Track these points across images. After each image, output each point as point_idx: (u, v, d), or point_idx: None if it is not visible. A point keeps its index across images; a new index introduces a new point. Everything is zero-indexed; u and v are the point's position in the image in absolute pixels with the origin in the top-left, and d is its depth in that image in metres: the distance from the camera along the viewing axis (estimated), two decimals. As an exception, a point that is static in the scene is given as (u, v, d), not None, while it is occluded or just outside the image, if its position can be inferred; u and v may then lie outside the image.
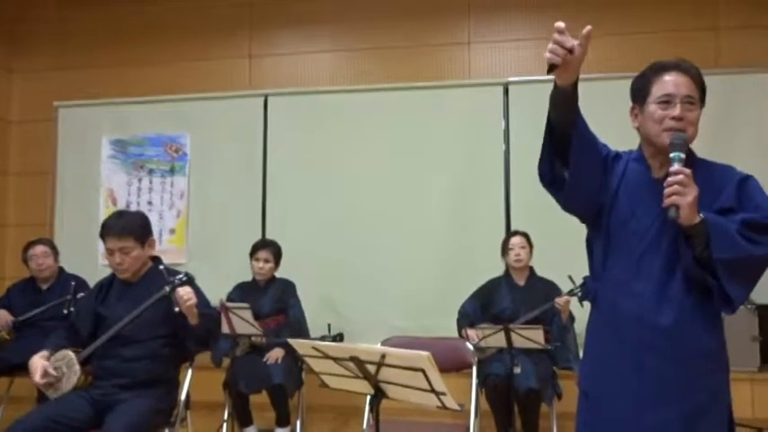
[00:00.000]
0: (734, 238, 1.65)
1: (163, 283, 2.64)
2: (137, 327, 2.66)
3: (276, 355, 3.88)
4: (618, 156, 1.91)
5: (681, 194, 1.64)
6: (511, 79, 4.89)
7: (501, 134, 4.84)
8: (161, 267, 2.73)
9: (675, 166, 1.67)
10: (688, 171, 1.66)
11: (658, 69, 1.82)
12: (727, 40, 4.69)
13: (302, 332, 4.06)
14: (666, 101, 1.77)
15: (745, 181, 1.77)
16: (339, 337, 3.90)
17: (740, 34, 4.68)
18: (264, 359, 3.86)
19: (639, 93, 1.85)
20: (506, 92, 4.87)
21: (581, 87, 1.78)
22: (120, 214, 2.80)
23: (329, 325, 3.87)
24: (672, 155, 1.69)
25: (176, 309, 2.60)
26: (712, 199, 1.73)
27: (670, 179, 1.66)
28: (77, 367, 2.60)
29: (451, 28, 5.09)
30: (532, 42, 4.94)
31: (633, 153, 1.90)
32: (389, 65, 5.14)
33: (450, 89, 4.96)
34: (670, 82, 1.78)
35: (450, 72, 5.06)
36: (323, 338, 3.88)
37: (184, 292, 2.59)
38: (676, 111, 1.75)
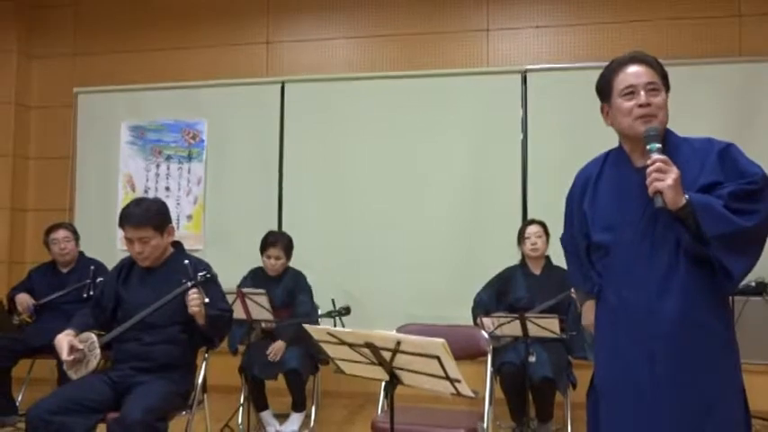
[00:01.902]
0: (720, 214, 1.66)
1: (183, 277, 2.67)
2: (156, 313, 2.69)
3: (278, 348, 3.88)
4: (580, 176, 2.01)
5: (661, 180, 1.67)
6: (529, 67, 4.84)
7: (519, 123, 4.81)
8: (186, 262, 2.73)
9: (652, 157, 1.71)
10: (663, 157, 1.70)
11: (616, 65, 1.87)
12: (750, 28, 4.60)
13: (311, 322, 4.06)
14: (630, 92, 1.82)
15: (726, 150, 1.79)
16: (345, 311, 3.87)
17: (763, 21, 4.59)
18: (268, 351, 3.87)
19: (604, 91, 1.90)
20: (524, 80, 4.82)
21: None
22: (137, 202, 2.80)
23: (333, 300, 3.87)
24: (648, 146, 1.74)
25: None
26: (698, 173, 1.76)
27: (648, 169, 1.70)
28: (98, 351, 2.64)
29: (470, 15, 5.05)
30: (552, 30, 4.89)
31: (611, 152, 1.96)
32: (407, 52, 5.11)
33: (468, 76, 4.92)
34: (630, 74, 1.83)
35: (469, 59, 5.02)
36: (329, 313, 3.87)
37: (192, 297, 2.63)
38: (642, 98, 1.80)
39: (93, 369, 2.64)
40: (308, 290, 4.19)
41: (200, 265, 2.79)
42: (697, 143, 1.84)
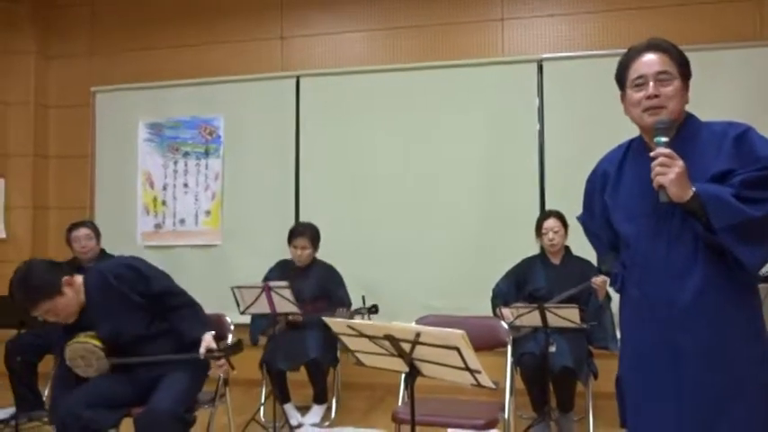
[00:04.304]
0: (729, 204, 1.63)
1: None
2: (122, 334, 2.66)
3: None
4: (602, 164, 1.99)
5: (663, 174, 1.65)
6: (545, 56, 4.80)
7: (535, 112, 4.77)
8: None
9: (657, 150, 1.69)
10: (667, 151, 1.67)
11: (632, 53, 1.85)
12: (771, 11, 4.52)
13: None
14: (640, 82, 1.80)
15: (743, 135, 1.74)
16: (374, 309, 3.90)
17: (785, 4, 4.51)
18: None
19: (621, 80, 1.88)
20: (540, 69, 4.78)
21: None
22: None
23: (363, 297, 3.87)
24: (654, 140, 1.72)
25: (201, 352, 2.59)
26: (714, 160, 1.73)
27: (652, 163, 1.68)
28: (107, 367, 2.66)
29: (485, 4, 5.01)
30: (567, 18, 4.84)
31: (633, 141, 1.93)
32: (422, 43, 5.09)
33: (483, 67, 4.89)
34: (642, 63, 1.81)
35: (484, 49, 4.99)
36: (358, 311, 3.90)
37: (221, 367, 2.63)
38: (649, 89, 1.77)
39: (100, 373, 2.67)
40: (343, 285, 4.23)
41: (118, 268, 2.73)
42: (717, 127, 1.80)
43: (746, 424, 1.69)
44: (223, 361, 2.61)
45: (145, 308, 2.67)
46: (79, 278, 2.68)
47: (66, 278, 2.61)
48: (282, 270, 4.22)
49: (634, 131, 1.95)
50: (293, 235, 4.21)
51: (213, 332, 2.66)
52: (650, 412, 1.78)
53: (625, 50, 1.90)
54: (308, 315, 3.94)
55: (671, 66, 1.78)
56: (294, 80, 5.23)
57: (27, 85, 5.68)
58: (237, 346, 2.67)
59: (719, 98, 4.12)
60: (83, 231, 4.29)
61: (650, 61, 1.79)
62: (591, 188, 2.02)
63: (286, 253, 4.34)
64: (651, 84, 1.77)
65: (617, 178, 1.91)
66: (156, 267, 2.83)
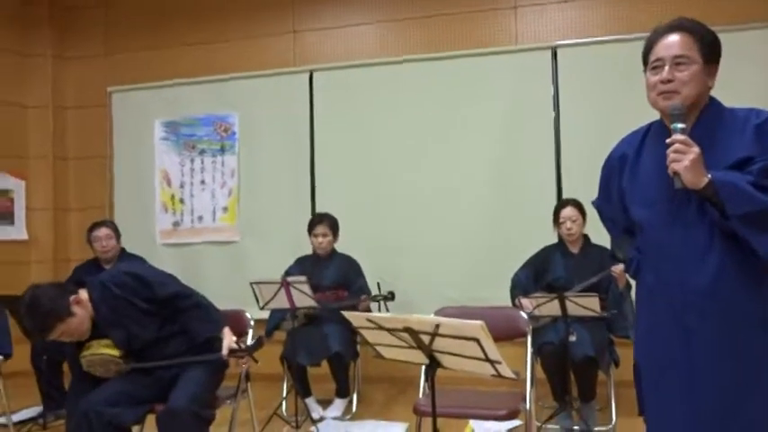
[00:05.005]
0: (745, 192, 1.61)
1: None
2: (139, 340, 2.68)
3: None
4: (619, 148, 1.95)
5: (678, 161, 1.64)
6: (559, 43, 4.75)
7: (550, 100, 4.73)
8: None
9: (673, 136, 1.67)
10: (682, 137, 1.66)
11: (653, 36, 1.81)
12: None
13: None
14: (658, 65, 1.77)
15: (766, 123, 1.70)
16: (391, 295, 3.90)
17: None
18: None
19: (643, 62, 1.85)
20: (555, 56, 4.74)
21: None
22: None
23: (378, 284, 3.86)
24: (671, 126, 1.69)
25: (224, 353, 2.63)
26: (735, 147, 1.70)
27: (667, 150, 1.66)
28: (127, 369, 2.69)
29: (497, -8, 4.97)
30: (581, 3, 4.78)
31: (653, 124, 1.90)
32: (434, 34, 5.06)
33: (497, 55, 4.86)
34: (661, 45, 1.77)
35: (497, 38, 4.95)
36: (374, 297, 3.90)
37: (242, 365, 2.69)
38: (663, 74, 1.74)
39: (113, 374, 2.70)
40: (362, 274, 4.28)
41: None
42: (740, 113, 1.77)
43: (764, 411, 1.67)
44: (246, 359, 2.62)
45: (153, 312, 2.67)
46: (84, 294, 2.66)
47: (73, 297, 2.58)
48: (302, 265, 4.26)
49: (650, 118, 1.92)
50: (313, 224, 4.28)
51: (228, 328, 2.68)
52: (664, 397, 1.77)
53: (640, 36, 1.87)
54: (326, 305, 3.96)
55: (692, 49, 1.74)
56: (307, 75, 5.23)
57: (45, 88, 5.75)
58: (259, 344, 2.69)
59: (742, 83, 4.03)
60: (103, 231, 4.34)
61: (669, 44, 1.75)
62: (608, 171, 1.99)
63: (303, 247, 4.36)
64: (667, 67, 1.74)
65: (635, 162, 1.88)
66: (159, 271, 2.84)
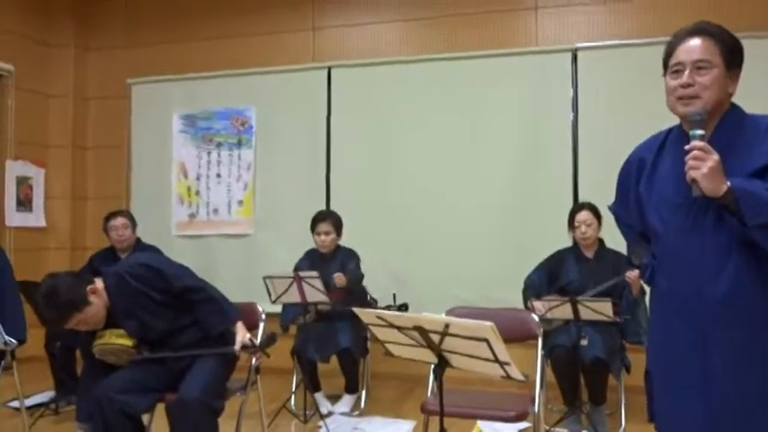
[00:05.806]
0: (764, 201, 1.58)
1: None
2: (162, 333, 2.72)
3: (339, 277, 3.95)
4: (636, 153, 1.93)
5: (696, 168, 1.61)
6: (579, 45, 4.72)
7: (569, 102, 4.71)
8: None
9: (691, 143, 1.64)
10: (701, 144, 1.62)
11: (676, 39, 1.78)
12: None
13: (357, 285, 4.14)
14: (678, 69, 1.74)
15: None
16: (404, 307, 3.93)
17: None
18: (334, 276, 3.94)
19: (663, 66, 1.82)
20: (575, 58, 4.71)
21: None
22: None
23: (394, 295, 3.89)
24: (690, 132, 1.67)
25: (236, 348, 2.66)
26: (757, 155, 1.67)
27: (686, 157, 1.63)
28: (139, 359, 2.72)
29: (518, -7, 4.95)
30: (602, 7, 4.74)
31: (672, 129, 1.87)
32: (454, 33, 5.05)
33: (517, 56, 4.84)
34: (682, 49, 1.74)
35: (518, 39, 4.93)
36: (388, 308, 3.91)
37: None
38: (683, 78, 1.71)
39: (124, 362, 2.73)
40: (357, 259, 4.24)
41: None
42: (762, 120, 1.74)
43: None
44: (259, 353, 2.63)
45: (168, 304, 2.70)
46: (101, 283, 2.69)
47: (90, 287, 2.62)
48: (311, 259, 4.27)
49: (670, 123, 1.90)
50: (316, 222, 4.25)
51: (241, 322, 2.70)
52: (677, 405, 1.75)
53: (661, 39, 1.85)
54: (336, 304, 3.97)
55: (714, 53, 1.71)
56: (326, 71, 5.24)
57: (66, 78, 5.81)
58: (271, 340, 2.71)
59: (763, 90, 3.98)
60: (120, 221, 4.38)
61: (691, 48, 1.72)
62: (625, 176, 1.97)
63: (317, 243, 4.38)
64: (687, 72, 1.71)
65: (653, 167, 1.85)
66: (174, 262, 2.85)
